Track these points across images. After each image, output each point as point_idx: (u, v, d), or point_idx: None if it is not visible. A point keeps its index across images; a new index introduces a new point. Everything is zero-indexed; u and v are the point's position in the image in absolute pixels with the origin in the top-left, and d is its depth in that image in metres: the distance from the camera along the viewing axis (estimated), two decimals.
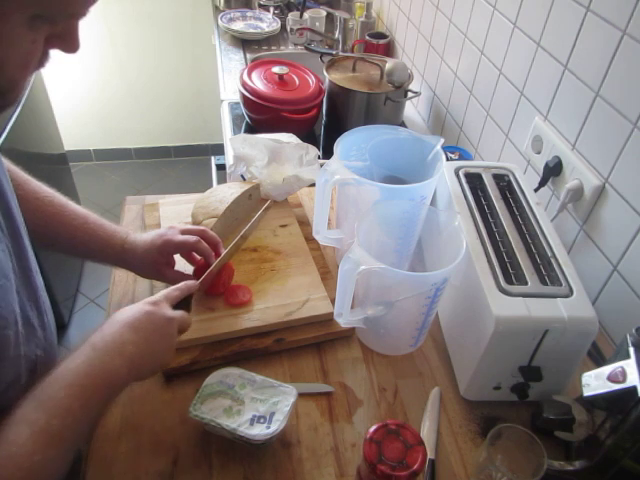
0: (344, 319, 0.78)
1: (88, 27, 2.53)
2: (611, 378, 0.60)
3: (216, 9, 2.26)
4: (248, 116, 1.50)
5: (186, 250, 0.83)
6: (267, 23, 2.11)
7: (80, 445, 0.55)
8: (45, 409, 0.51)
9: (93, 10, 0.47)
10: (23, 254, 0.61)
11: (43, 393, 0.52)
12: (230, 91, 1.69)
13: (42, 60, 0.48)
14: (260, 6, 2.24)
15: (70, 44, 0.49)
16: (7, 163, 0.74)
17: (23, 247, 0.61)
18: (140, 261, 0.80)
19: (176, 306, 0.68)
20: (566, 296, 0.70)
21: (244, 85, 1.44)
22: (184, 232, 0.82)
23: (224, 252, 0.83)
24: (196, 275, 0.84)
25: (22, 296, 0.59)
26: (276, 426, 0.67)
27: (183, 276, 0.83)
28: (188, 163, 3.11)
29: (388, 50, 1.86)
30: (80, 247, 0.79)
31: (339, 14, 1.92)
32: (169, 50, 2.72)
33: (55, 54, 0.49)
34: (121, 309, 0.64)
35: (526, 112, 1.08)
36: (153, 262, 0.81)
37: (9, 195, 0.60)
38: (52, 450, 0.50)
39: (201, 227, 0.87)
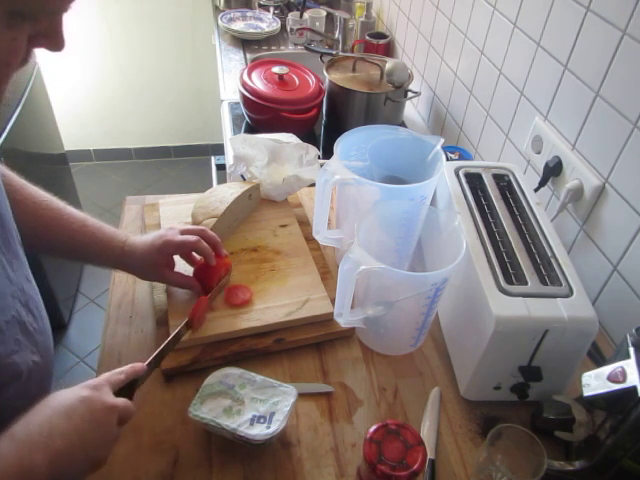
0: (344, 319, 0.78)
1: (88, 27, 2.54)
2: (611, 378, 0.60)
3: (216, 9, 2.26)
4: (248, 116, 1.50)
5: (186, 250, 0.83)
6: (267, 23, 2.11)
7: None
8: None
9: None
10: (17, 260, 0.60)
11: None
12: (230, 91, 1.69)
13: (26, 58, 0.46)
14: (260, 6, 2.24)
15: (54, 42, 0.47)
16: (2, 168, 0.73)
17: (16, 254, 0.61)
18: (140, 263, 0.80)
19: (118, 391, 0.60)
20: (566, 296, 0.70)
21: (244, 85, 1.44)
22: (184, 232, 0.82)
23: (176, 330, 0.75)
24: (196, 276, 0.84)
25: (18, 302, 0.58)
26: (276, 426, 0.67)
27: (183, 277, 0.83)
28: (188, 163, 3.11)
29: (388, 50, 1.86)
30: (79, 250, 0.78)
31: (339, 14, 1.91)
32: (169, 50, 2.72)
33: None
34: (55, 393, 0.55)
35: (526, 112, 1.08)
36: (153, 263, 0.80)
37: (1, 202, 0.59)
38: None
39: (200, 227, 0.87)
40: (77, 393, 0.54)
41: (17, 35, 0.43)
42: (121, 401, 0.57)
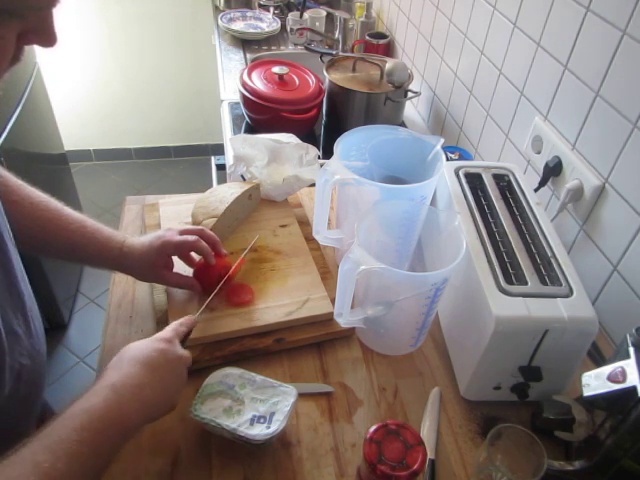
0: (344, 319, 0.78)
1: (88, 27, 2.54)
2: (611, 378, 0.60)
3: (216, 9, 2.26)
4: (248, 116, 1.50)
5: (185, 250, 0.83)
6: (267, 23, 2.11)
7: None
8: (52, 451, 0.48)
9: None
10: (7, 261, 0.60)
11: (53, 433, 0.49)
12: (230, 91, 1.69)
13: (17, 55, 0.46)
14: (260, 6, 2.24)
15: (45, 38, 0.46)
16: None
17: (6, 254, 0.60)
18: (139, 264, 0.80)
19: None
20: (566, 296, 0.70)
21: (244, 85, 1.44)
22: (182, 232, 0.82)
23: (217, 288, 0.82)
24: (195, 276, 0.84)
25: (4, 304, 0.58)
26: (276, 426, 0.67)
27: (182, 277, 0.83)
28: (188, 163, 3.11)
29: (388, 50, 1.86)
30: (77, 252, 0.78)
31: (339, 14, 1.92)
32: (169, 50, 2.72)
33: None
34: (132, 344, 0.62)
35: (526, 112, 1.08)
36: (152, 264, 0.80)
37: None
38: None
39: (199, 227, 0.87)
40: (153, 346, 0.62)
41: (4, 33, 0.42)
42: (186, 352, 0.66)
